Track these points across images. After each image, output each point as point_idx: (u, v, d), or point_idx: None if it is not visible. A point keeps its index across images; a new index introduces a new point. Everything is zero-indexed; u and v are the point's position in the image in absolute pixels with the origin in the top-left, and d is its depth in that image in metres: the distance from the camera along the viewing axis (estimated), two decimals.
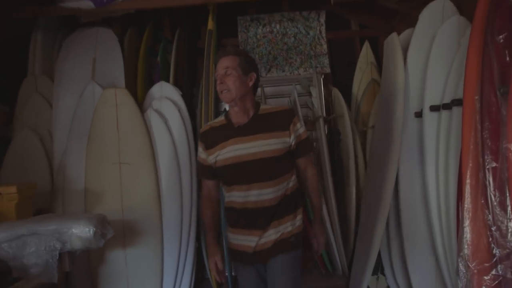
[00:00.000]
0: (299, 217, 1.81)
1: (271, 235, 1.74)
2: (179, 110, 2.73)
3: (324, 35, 3.71)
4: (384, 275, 2.83)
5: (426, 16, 2.41)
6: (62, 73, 2.84)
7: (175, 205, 2.56)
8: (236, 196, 1.76)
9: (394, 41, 2.43)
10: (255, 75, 1.79)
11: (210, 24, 3.03)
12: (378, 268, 2.82)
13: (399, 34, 2.54)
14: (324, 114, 3.37)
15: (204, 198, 1.88)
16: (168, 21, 3.60)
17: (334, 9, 3.66)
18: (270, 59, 3.67)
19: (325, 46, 3.70)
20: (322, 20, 3.70)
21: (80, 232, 1.71)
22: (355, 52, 3.71)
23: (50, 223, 1.75)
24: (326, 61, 3.70)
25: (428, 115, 2.20)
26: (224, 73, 1.72)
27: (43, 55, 3.00)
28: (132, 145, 2.51)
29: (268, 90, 3.46)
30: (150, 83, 3.05)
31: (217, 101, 3.15)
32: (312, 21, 3.69)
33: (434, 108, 2.17)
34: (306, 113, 3.54)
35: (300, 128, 1.80)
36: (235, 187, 1.76)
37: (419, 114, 2.29)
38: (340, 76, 3.74)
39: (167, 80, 2.95)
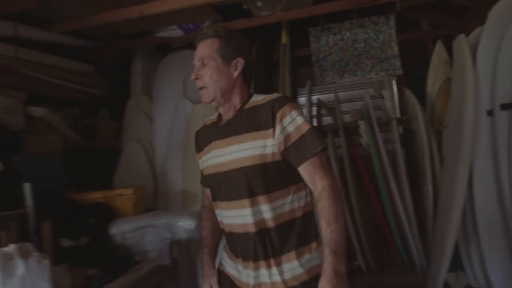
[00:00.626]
0: (313, 255, 1.29)
1: (263, 276, 1.29)
2: None
3: (394, 37, 3.79)
4: (464, 272, 2.84)
5: (495, 14, 2.42)
6: (159, 92, 3.31)
7: None
8: (221, 216, 1.41)
9: (462, 42, 2.49)
10: (242, 60, 1.36)
11: (284, 39, 3.32)
12: (458, 265, 2.84)
13: (472, 31, 2.59)
14: (398, 115, 3.46)
15: (204, 208, 1.57)
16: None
17: (403, 12, 3.72)
18: (342, 65, 3.84)
19: (396, 49, 3.78)
20: (392, 23, 3.78)
21: (185, 225, 2.09)
22: (428, 52, 3.72)
23: (162, 217, 2.16)
24: (397, 63, 3.77)
25: (499, 114, 2.24)
26: (201, 64, 1.34)
27: (143, 77, 3.50)
28: None
29: (342, 95, 3.63)
30: None
31: None
32: (381, 26, 3.80)
33: (504, 107, 2.20)
34: (379, 115, 3.65)
35: (292, 121, 1.27)
36: (218, 204, 1.41)
37: (490, 113, 2.33)
38: (412, 77, 3.78)
39: None
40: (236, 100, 1.38)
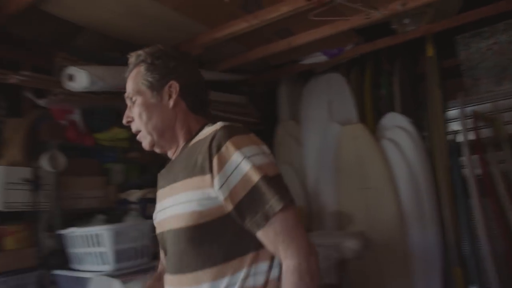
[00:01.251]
0: None
1: None
2: (410, 135, 2.95)
3: None
4: None
5: None
6: (306, 117, 3.47)
7: (418, 225, 2.74)
8: None
9: None
10: (175, 83, 1.04)
11: (430, 52, 3.20)
12: None
13: None
14: None
15: (153, 276, 1.23)
16: (386, 55, 3.89)
17: None
18: (498, 71, 3.51)
19: None
20: None
21: (351, 245, 2.15)
22: None
23: (330, 237, 2.26)
24: None
25: None
26: (130, 102, 1.06)
27: (289, 103, 3.71)
28: (372, 172, 2.88)
29: (502, 103, 3.31)
30: (378, 114, 3.38)
31: (445, 121, 3.24)
32: None
33: None
34: None
35: (236, 168, 0.91)
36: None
37: None
38: None
39: (393, 109, 3.23)
40: (180, 135, 1.06)
